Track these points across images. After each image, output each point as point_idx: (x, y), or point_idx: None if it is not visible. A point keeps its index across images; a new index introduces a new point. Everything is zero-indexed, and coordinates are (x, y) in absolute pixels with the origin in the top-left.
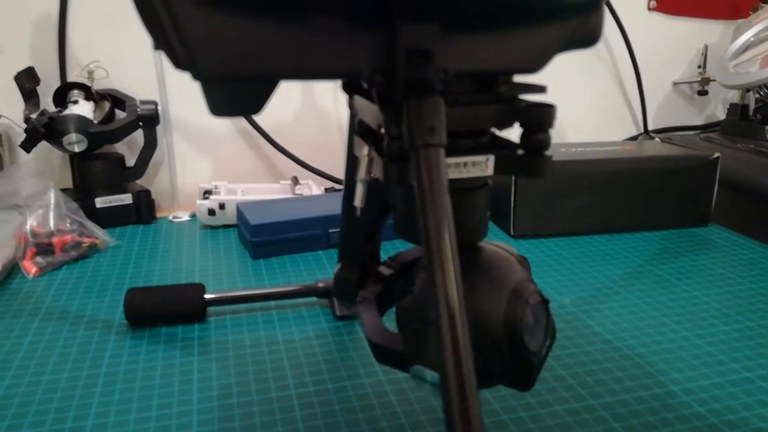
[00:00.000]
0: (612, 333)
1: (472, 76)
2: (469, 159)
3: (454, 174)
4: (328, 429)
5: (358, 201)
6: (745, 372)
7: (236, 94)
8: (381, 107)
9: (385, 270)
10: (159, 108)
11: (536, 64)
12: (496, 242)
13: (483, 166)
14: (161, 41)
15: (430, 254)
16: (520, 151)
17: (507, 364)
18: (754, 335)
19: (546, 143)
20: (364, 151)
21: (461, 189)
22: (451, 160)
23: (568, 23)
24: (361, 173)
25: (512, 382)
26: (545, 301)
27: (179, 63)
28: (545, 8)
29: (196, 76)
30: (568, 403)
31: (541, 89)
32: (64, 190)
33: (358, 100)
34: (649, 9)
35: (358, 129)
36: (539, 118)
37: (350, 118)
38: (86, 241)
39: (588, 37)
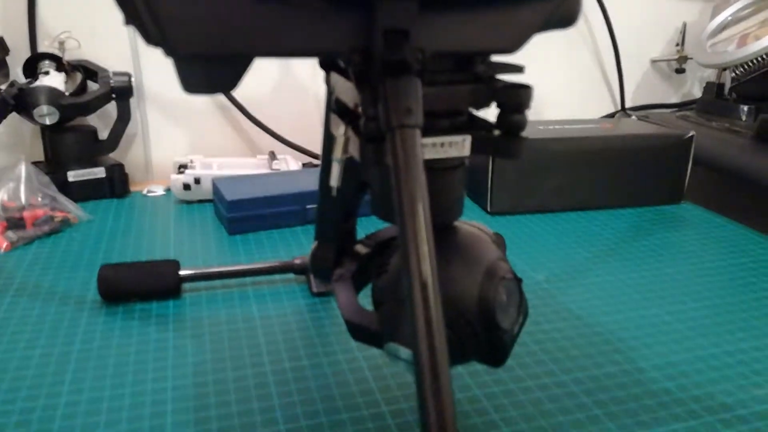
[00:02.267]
0: (584, 309)
1: (450, 56)
2: (446, 139)
3: (430, 154)
4: (304, 405)
5: (334, 181)
6: (712, 348)
7: (210, 71)
8: (358, 87)
9: (361, 248)
10: (132, 80)
11: (514, 44)
12: (471, 221)
13: (460, 146)
14: (132, 16)
15: (405, 234)
16: (496, 132)
17: (480, 342)
18: (722, 312)
19: (522, 124)
20: (340, 130)
21: (438, 169)
22: (428, 140)
23: (546, 4)
24: (337, 153)
25: (485, 358)
26: (518, 280)
27: (151, 39)
28: None
29: (169, 52)
30: (539, 378)
31: (518, 69)
32: (35, 163)
33: (335, 77)
34: None
35: (335, 107)
36: (515, 99)
37: (327, 95)
38: (58, 215)
39: (566, 18)
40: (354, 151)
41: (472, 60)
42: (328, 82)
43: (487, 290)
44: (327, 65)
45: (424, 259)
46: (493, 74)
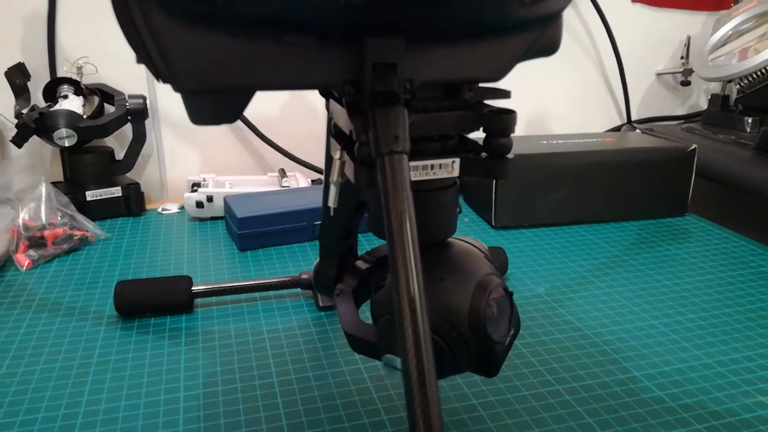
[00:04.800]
0: (582, 321)
1: (438, 85)
2: (436, 162)
3: (421, 176)
4: (308, 414)
5: (331, 201)
6: (705, 358)
7: (215, 104)
8: (350, 115)
9: (361, 264)
10: (147, 102)
11: (498, 73)
12: (466, 237)
13: (449, 168)
14: (143, 56)
15: (394, 254)
16: (483, 154)
17: (472, 353)
18: (719, 323)
19: (507, 147)
20: (337, 154)
21: (431, 189)
22: (418, 163)
23: (527, 36)
24: (334, 175)
25: (478, 369)
26: (509, 294)
27: (160, 76)
28: (504, 24)
29: (177, 89)
30: (535, 388)
31: (505, 95)
32: (55, 184)
33: (334, 104)
34: (633, 1)
35: (333, 132)
36: (500, 124)
37: (327, 120)
38: (77, 234)
39: (547, 47)
40: (349, 173)
41: (460, 88)
42: (328, 108)
43: (478, 303)
44: (326, 93)
45: (412, 279)
46: (480, 100)
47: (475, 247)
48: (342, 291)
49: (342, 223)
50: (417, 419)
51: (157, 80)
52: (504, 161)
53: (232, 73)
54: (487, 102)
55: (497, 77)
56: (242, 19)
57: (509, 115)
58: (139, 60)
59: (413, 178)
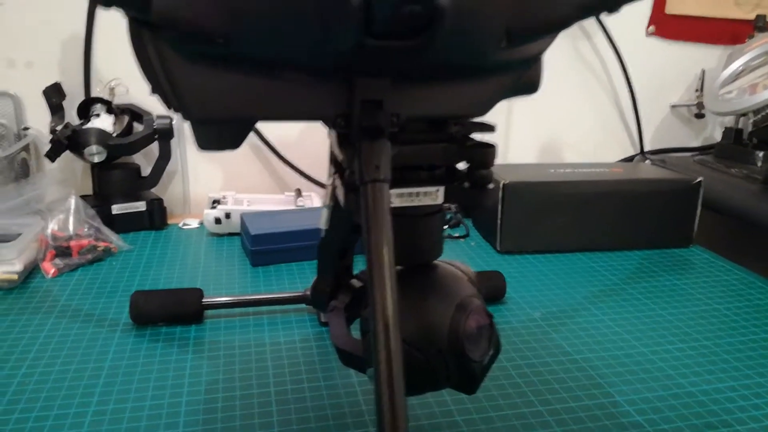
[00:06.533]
0: (573, 346)
1: (424, 120)
2: (421, 189)
3: (406, 202)
4: (299, 423)
5: (322, 223)
6: (689, 387)
7: (219, 132)
8: (340, 146)
9: (355, 282)
10: (174, 122)
11: (481, 109)
12: (452, 261)
13: (434, 195)
14: (157, 89)
15: (372, 275)
16: (466, 184)
17: (451, 370)
18: (707, 353)
19: (488, 178)
20: (329, 180)
21: (418, 215)
22: (405, 190)
23: (508, 77)
24: (326, 199)
25: (457, 386)
26: (489, 316)
27: (171, 106)
28: (484, 66)
29: (186, 117)
30: (518, 408)
31: (490, 128)
32: (84, 197)
33: (331, 133)
34: (648, 34)
35: (330, 158)
36: (482, 157)
37: (329, 147)
38: (101, 245)
39: (528, 86)
40: (340, 197)
41: (446, 122)
42: (329, 135)
43: (457, 323)
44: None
45: (386, 299)
46: (467, 134)
47: (460, 270)
48: (335, 307)
49: (338, 243)
50: (385, 426)
51: (168, 109)
52: (484, 191)
53: (234, 105)
54: (472, 136)
55: (480, 113)
56: (243, 58)
57: (490, 149)
58: (153, 91)
59: (399, 204)
